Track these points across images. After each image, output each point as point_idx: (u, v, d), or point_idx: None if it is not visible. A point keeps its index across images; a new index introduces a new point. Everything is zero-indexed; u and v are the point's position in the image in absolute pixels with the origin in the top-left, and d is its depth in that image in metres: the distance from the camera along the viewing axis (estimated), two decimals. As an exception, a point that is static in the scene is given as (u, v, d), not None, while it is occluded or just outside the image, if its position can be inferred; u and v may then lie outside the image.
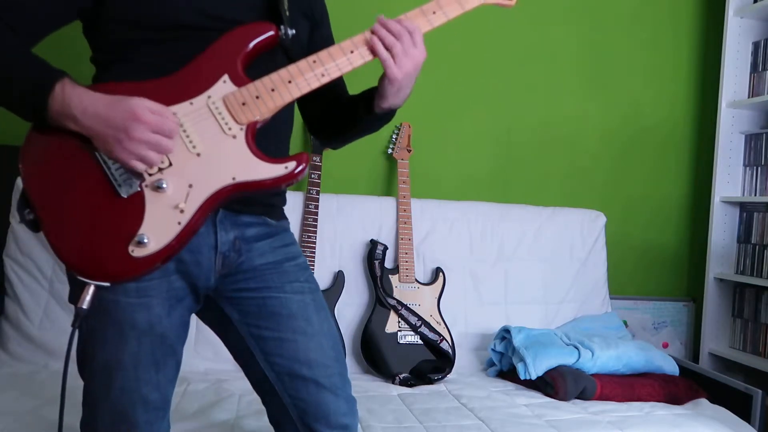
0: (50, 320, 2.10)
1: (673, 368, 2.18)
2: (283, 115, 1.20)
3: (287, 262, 1.25)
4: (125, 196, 1.04)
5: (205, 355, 2.12)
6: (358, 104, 1.28)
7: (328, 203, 2.36)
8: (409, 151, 2.48)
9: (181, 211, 1.05)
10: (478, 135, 2.68)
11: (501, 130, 2.71)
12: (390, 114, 1.26)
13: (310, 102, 1.36)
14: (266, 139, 1.13)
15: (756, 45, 2.61)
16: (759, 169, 2.58)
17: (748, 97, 2.61)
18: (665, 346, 2.80)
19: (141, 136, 1.00)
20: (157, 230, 1.04)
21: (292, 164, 1.08)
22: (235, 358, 1.28)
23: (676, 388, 2.07)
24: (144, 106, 1.01)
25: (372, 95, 1.23)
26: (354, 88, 1.38)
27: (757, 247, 2.55)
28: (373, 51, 1.13)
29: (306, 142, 2.49)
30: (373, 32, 1.14)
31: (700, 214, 2.86)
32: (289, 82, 1.11)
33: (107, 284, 1.04)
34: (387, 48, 1.13)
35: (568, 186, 2.77)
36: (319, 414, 1.21)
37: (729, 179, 2.64)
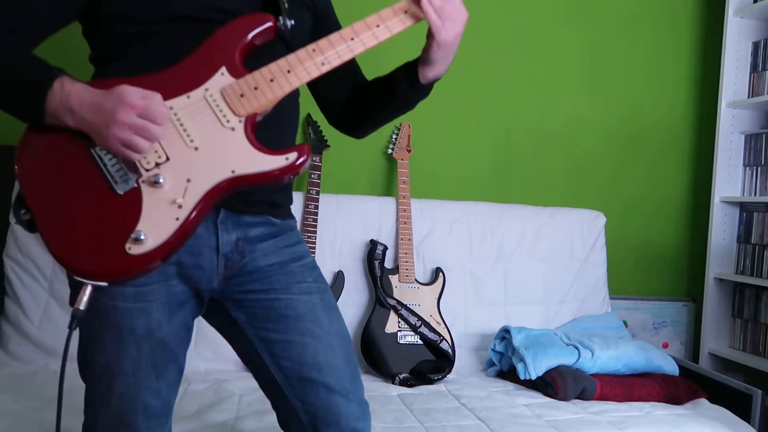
0: (50, 320, 2.09)
1: (673, 368, 2.18)
2: (287, 108, 1.18)
3: (293, 263, 1.22)
4: (121, 193, 1.02)
5: (205, 355, 2.12)
6: (396, 80, 1.24)
7: (328, 203, 2.36)
8: (409, 151, 2.48)
9: (179, 207, 1.02)
10: (478, 135, 2.68)
11: (501, 130, 2.71)
12: (429, 88, 1.24)
13: (331, 91, 1.34)
14: (271, 132, 1.12)
15: (756, 45, 2.61)
16: (759, 169, 2.58)
17: (748, 97, 2.61)
18: (665, 346, 2.80)
19: (126, 119, 0.98)
20: (155, 227, 1.01)
21: (293, 155, 1.05)
22: (244, 361, 1.26)
23: (676, 388, 2.07)
24: (133, 91, 0.99)
25: (411, 69, 1.20)
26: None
27: (757, 247, 2.55)
28: (425, 16, 1.11)
29: (306, 140, 2.48)
30: None
31: (700, 214, 2.86)
32: (288, 72, 1.08)
33: (104, 284, 1.01)
34: (436, 11, 1.11)
35: (568, 186, 2.77)
36: (330, 418, 1.18)
37: (729, 179, 2.64)
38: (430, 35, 1.14)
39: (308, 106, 1.41)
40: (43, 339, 2.07)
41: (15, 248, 2.12)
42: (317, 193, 2.31)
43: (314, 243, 2.27)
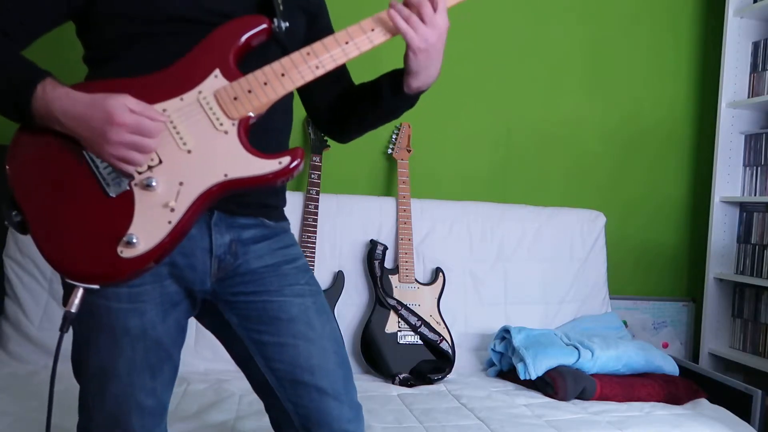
0: (50, 320, 2.10)
1: (673, 368, 2.18)
2: (281, 111, 1.18)
3: (286, 265, 1.22)
4: (114, 196, 1.02)
5: (205, 356, 2.12)
6: (381, 87, 1.23)
7: (328, 203, 2.36)
8: (409, 151, 2.48)
9: (172, 210, 1.02)
10: (477, 135, 2.68)
11: (501, 130, 2.71)
12: (415, 98, 1.22)
13: (317, 95, 1.33)
14: (265, 135, 1.11)
15: (756, 45, 2.61)
16: (759, 169, 2.58)
17: (748, 97, 2.61)
18: (665, 346, 2.80)
19: (119, 138, 0.97)
20: (147, 230, 1.01)
21: (286, 159, 1.05)
22: (237, 362, 1.26)
23: (676, 388, 2.07)
24: (122, 105, 0.98)
25: (397, 77, 1.20)
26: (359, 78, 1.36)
27: (757, 247, 2.55)
28: (393, 24, 1.10)
29: (305, 140, 2.48)
30: (390, 6, 1.11)
31: (700, 214, 2.86)
32: (282, 75, 1.08)
33: (96, 287, 1.01)
34: (404, 18, 1.10)
35: (568, 186, 2.77)
36: (322, 421, 1.18)
37: (729, 179, 2.64)
38: (406, 44, 1.13)
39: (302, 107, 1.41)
40: (43, 339, 2.07)
41: (15, 248, 2.13)
42: (317, 193, 2.31)
43: (314, 243, 2.27)
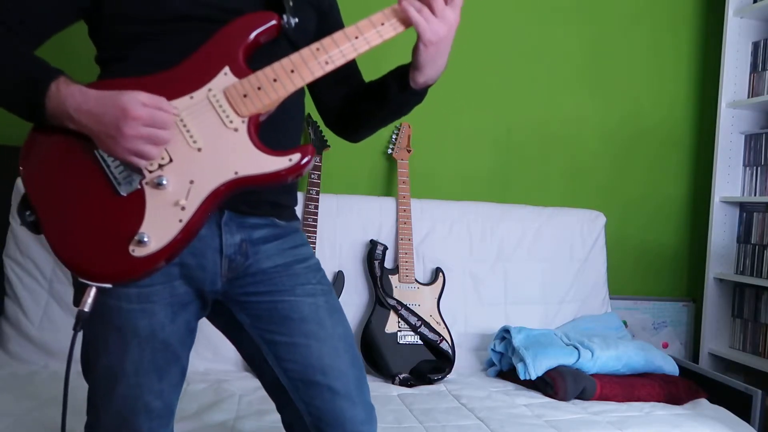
0: (50, 320, 2.09)
1: (672, 368, 2.18)
2: (292, 107, 1.18)
3: (297, 264, 1.22)
4: (125, 195, 1.02)
5: (205, 356, 2.12)
6: (388, 84, 1.23)
7: (328, 203, 2.36)
8: (409, 151, 2.48)
9: (182, 208, 1.02)
10: (477, 135, 2.68)
11: (501, 130, 2.71)
12: (423, 93, 1.23)
13: (328, 94, 1.34)
14: (275, 132, 1.11)
15: (756, 45, 2.61)
16: (759, 169, 2.58)
17: (748, 97, 2.61)
18: (665, 346, 2.80)
19: (134, 132, 0.98)
20: (158, 229, 1.01)
21: (296, 156, 1.04)
22: (248, 363, 1.26)
23: (676, 388, 2.07)
24: (135, 100, 0.98)
25: (403, 73, 1.20)
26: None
27: (757, 247, 2.55)
28: (405, 16, 1.10)
29: (306, 140, 2.48)
30: None
31: (699, 214, 2.86)
32: (292, 71, 1.07)
33: (109, 286, 1.01)
34: (417, 10, 1.10)
35: (568, 186, 2.77)
36: (335, 422, 1.17)
37: (729, 179, 2.64)
38: (417, 36, 1.13)
39: (308, 106, 1.41)
40: (43, 339, 2.06)
41: (15, 248, 2.12)
42: (317, 193, 2.31)
43: (314, 243, 2.27)
